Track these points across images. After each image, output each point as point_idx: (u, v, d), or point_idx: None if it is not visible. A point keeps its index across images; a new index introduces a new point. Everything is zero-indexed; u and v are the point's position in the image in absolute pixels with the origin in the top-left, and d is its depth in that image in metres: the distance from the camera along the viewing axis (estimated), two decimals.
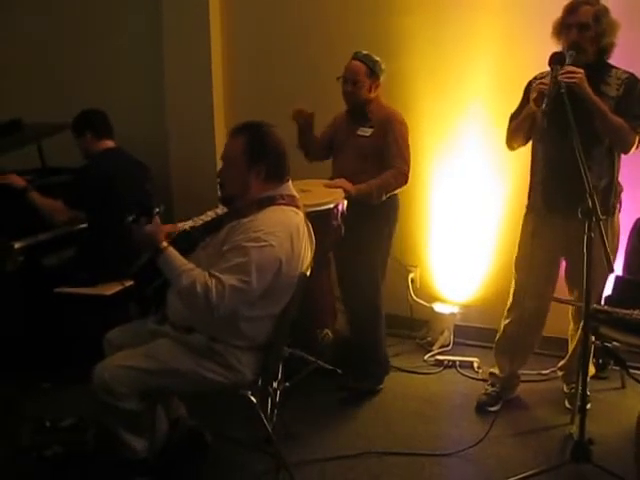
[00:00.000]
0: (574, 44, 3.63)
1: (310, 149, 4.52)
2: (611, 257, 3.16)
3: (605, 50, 3.72)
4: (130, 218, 3.06)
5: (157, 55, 5.39)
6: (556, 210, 3.78)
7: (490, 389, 4.19)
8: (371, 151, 4.21)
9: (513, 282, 4.08)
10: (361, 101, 4.23)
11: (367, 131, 4.23)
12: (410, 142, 4.24)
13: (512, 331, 4.00)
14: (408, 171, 4.19)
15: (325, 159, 4.54)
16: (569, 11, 3.69)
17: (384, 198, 4.20)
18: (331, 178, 4.37)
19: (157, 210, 3.09)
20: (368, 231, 4.25)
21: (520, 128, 3.85)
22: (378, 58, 4.20)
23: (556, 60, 3.53)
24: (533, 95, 3.61)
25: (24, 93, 5.82)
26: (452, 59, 4.76)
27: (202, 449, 3.51)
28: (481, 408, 4.11)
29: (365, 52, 4.21)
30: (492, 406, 4.09)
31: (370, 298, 4.35)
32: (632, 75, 3.71)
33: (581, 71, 3.51)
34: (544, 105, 3.40)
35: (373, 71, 4.18)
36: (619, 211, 3.89)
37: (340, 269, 4.48)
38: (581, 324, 3.33)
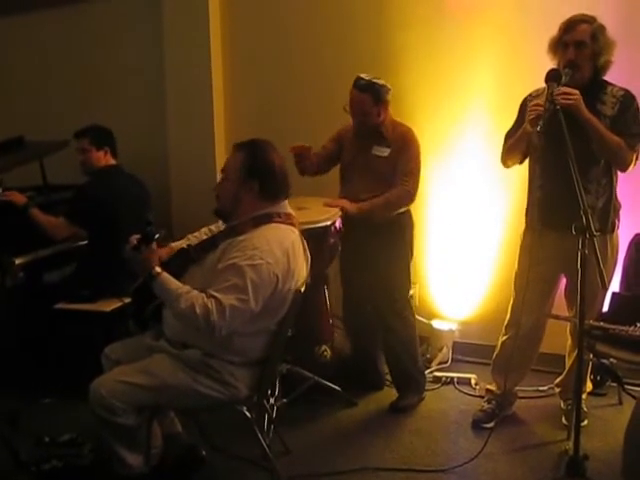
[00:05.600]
0: (571, 62, 3.65)
1: (306, 169, 4.41)
2: (605, 274, 3.15)
3: (602, 68, 3.73)
4: (131, 245, 3.10)
5: (158, 73, 5.44)
6: (553, 228, 3.77)
7: (486, 406, 4.19)
8: (390, 172, 4.15)
9: (512, 299, 4.09)
10: (373, 126, 4.19)
11: (384, 151, 4.18)
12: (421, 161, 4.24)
13: (509, 348, 3.98)
14: (415, 191, 4.17)
15: (321, 174, 4.51)
16: (566, 29, 3.70)
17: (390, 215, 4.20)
18: (340, 197, 4.35)
19: (157, 236, 3.12)
20: (385, 248, 4.24)
21: (515, 147, 3.86)
22: (380, 81, 4.12)
23: (552, 77, 3.56)
24: (530, 116, 3.61)
25: (26, 113, 5.86)
26: (451, 73, 4.80)
27: (197, 464, 3.53)
28: (476, 425, 4.11)
29: (366, 78, 4.10)
30: (487, 423, 4.08)
31: (402, 312, 4.37)
32: (627, 92, 3.73)
33: (577, 92, 3.54)
34: (539, 127, 3.42)
35: (378, 98, 4.11)
36: (618, 228, 3.90)
37: (362, 288, 4.42)
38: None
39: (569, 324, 4.05)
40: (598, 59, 3.69)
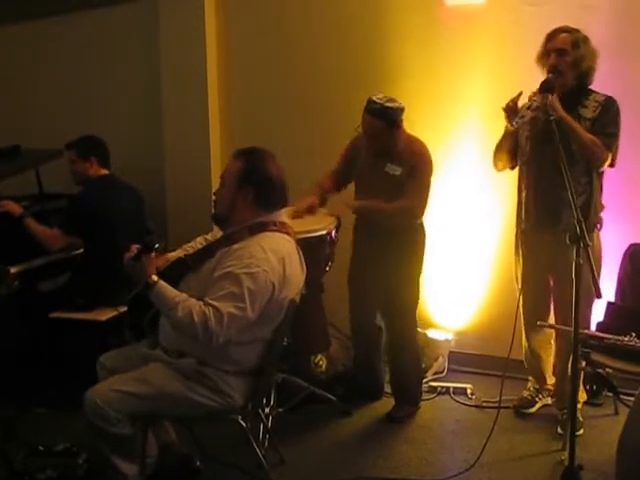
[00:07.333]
0: (553, 68, 3.84)
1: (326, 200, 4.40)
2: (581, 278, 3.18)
3: (585, 74, 3.89)
4: (131, 254, 3.10)
5: (155, 82, 5.46)
6: (537, 227, 3.99)
7: (526, 393, 4.37)
8: (402, 189, 4.10)
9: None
10: (386, 147, 4.14)
11: (397, 169, 4.12)
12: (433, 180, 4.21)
13: (528, 347, 4.26)
14: (419, 209, 4.14)
15: (339, 191, 4.46)
16: (548, 39, 3.92)
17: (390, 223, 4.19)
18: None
19: (157, 246, 3.13)
20: (394, 261, 4.22)
21: (500, 146, 4.05)
22: (393, 103, 4.02)
23: (545, 88, 3.71)
24: (504, 115, 3.85)
25: (23, 122, 5.86)
26: (447, 83, 4.81)
27: (192, 474, 3.52)
28: (517, 412, 4.29)
29: (378, 102, 3.99)
30: (528, 408, 4.32)
31: (406, 326, 4.37)
32: (609, 98, 3.90)
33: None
34: (514, 123, 3.71)
35: (392, 122, 4.03)
36: (599, 230, 3.99)
37: (364, 293, 4.41)
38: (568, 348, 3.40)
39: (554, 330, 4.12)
40: (580, 66, 3.85)
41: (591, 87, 3.93)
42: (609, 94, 3.90)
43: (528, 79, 3.92)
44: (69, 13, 5.80)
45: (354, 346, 4.64)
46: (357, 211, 4.24)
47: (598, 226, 3.98)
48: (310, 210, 4.24)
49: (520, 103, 3.88)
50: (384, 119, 4.02)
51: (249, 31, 5.32)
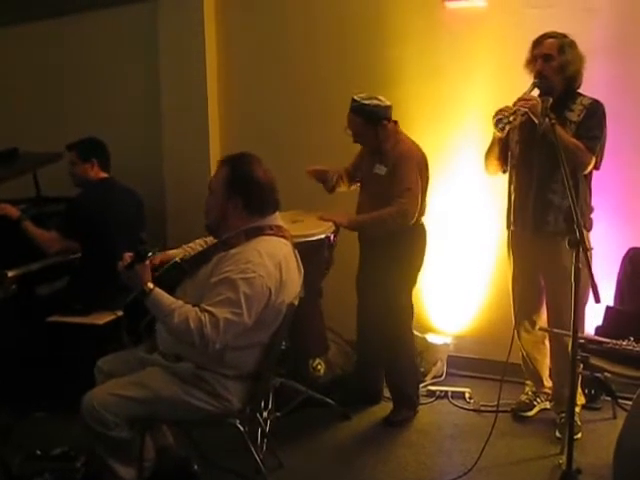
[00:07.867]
0: (539, 73, 3.90)
1: (332, 189, 4.43)
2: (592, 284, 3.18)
3: (572, 78, 3.92)
4: (124, 263, 3.09)
5: (154, 85, 5.46)
6: (526, 229, 4.02)
7: (524, 397, 4.37)
8: (386, 190, 4.10)
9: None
10: (373, 146, 4.18)
11: (382, 169, 4.15)
12: (425, 178, 4.22)
13: (521, 348, 4.24)
14: (412, 210, 4.08)
15: (347, 189, 4.51)
16: (535, 44, 3.96)
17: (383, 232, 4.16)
18: (357, 213, 4.35)
19: (150, 254, 3.12)
20: (386, 258, 4.22)
21: (490, 152, 4.08)
22: (375, 101, 4.08)
23: (545, 91, 3.79)
24: (493, 121, 3.85)
25: (22, 124, 5.86)
26: (448, 86, 4.81)
27: (190, 478, 3.51)
28: (516, 415, 4.31)
29: (358, 99, 4.07)
30: (526, 412, 4.33)
31: (398, 324, 4.35)
32: (595, 101, 3.91)
33: (534, 97, 3.78)
34: (499, 130, 3.77)
35: (372, 120, 4.07)
36: (588, 231, 3.98)
37: (364, 297, 4.43)
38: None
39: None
40: (566, 70, 3.88)
41: (580, 90, 3.96)
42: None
43: (529, 82, 3.91)
44: (69, 15, 5.81)
45: (357, 352, 4.64)
46: (350, 228, 4.24)
47: (587, 225, 3.96)
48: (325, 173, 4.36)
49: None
50: (362, 115, 4.08)
51: (249, 33, 5.32)
